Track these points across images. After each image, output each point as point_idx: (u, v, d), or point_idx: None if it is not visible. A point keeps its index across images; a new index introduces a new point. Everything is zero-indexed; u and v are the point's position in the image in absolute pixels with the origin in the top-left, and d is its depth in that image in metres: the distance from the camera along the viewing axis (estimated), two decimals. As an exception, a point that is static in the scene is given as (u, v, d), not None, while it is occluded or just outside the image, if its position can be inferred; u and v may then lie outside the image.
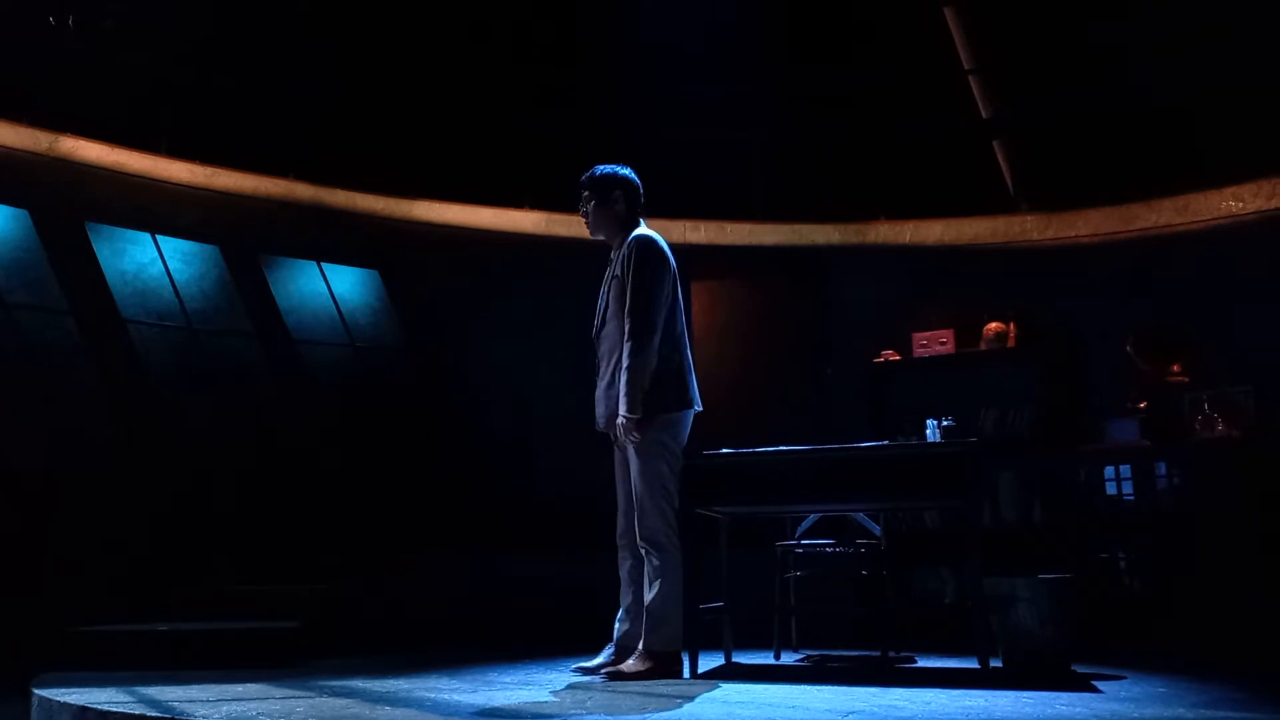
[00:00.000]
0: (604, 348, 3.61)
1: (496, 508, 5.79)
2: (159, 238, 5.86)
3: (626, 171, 3.67)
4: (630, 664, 3.40)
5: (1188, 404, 5.14)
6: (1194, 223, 5.63)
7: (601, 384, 3.60)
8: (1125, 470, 5.11)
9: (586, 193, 3.66)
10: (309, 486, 5.61)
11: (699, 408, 3.57)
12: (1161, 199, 5.73)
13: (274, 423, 5.79)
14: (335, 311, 6.31)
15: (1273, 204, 5.39)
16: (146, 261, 5.76)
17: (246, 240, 6.14)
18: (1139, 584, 5.00)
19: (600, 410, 3.59)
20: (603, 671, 3.44)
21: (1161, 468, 5.06)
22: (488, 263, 6.49)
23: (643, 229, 3.63)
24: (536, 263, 6.46)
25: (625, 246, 3.57)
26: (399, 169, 6.39)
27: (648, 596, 3.41)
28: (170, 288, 5.77)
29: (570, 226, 6.62)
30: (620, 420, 3.44)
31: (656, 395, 3.46)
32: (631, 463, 3.48)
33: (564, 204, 6.57)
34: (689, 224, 6.46)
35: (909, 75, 6.30)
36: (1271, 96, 5.17)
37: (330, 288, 6.35)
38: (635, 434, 3.43)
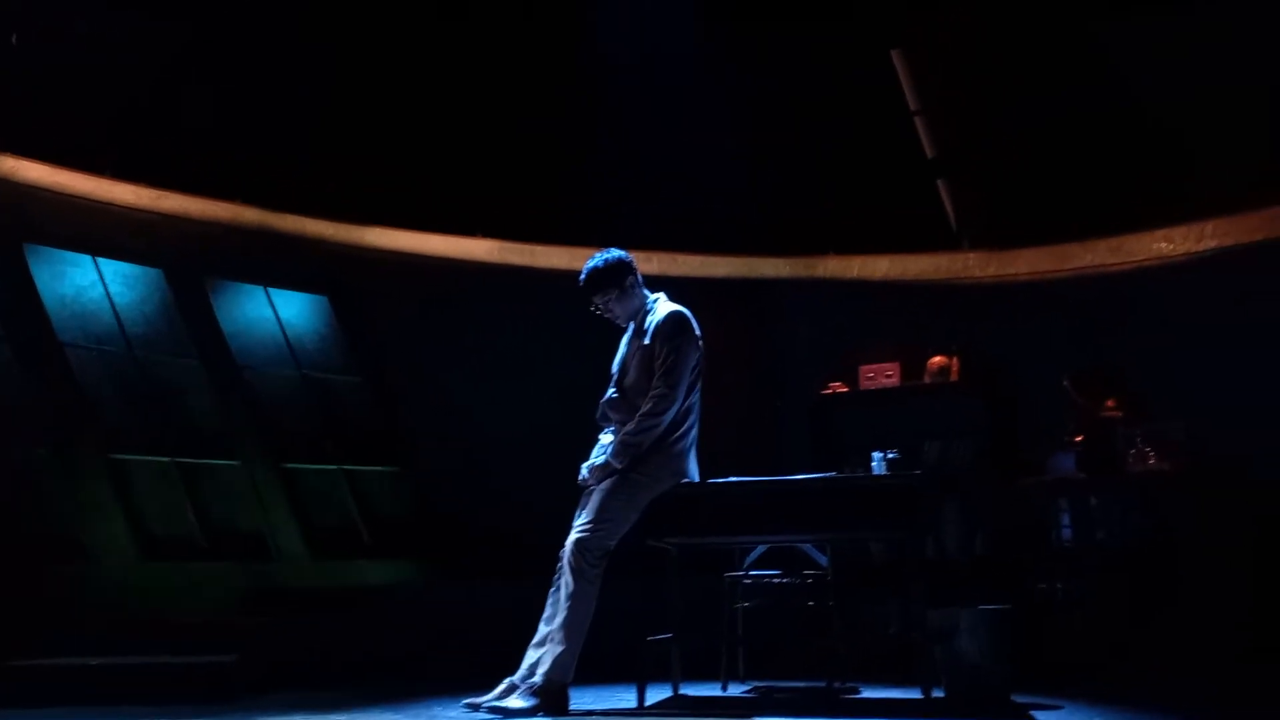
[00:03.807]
0: (617, 414, 3.64)
1: (448, 538, 5.73)
2: (101, 260, 5.74)
3: (619, 252, 3.75)
4: (515, 700, 3.38)
5: (1122, 439, 5.30)
6: (1126, 263, 5.85)
7: (601, 446, 3.65)
8: (1063, 503, 5.24)
9: (602, 293, 3.69)
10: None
11: (691, 479, 3.63)
12: (1096, 240, 5.94)
13: (216, 449, 5.67)
14: (282, 337, 6.22)
15: (1201, 246, 5.62)
16: (86, 284, 5.63)
17: (191, 264, 6.04)
18: (1076, 614, 5.11)
19: (588, 464, 3.64)
20: (485, 706, 3.41)
21: (1097, 500, 5.21)
22: (440, 290, 6.47)
23: (669, 303, 3.72)
24: (489, 291, 6.45)
25: (658, 320, 3.63)
26: (350, 195, 6.36)
27: (558, 619, 3.43)
28: (110, 311, 5.64)
29: (523, 255, 6.64)
30: (600, 462, 3.51)
31: (657, 459, 3.52)
32: (609, 480, 3.53)
33: (517, 232, 6.60)
34: (641, 254, 6.47)
35: (858, 114, 6.46)
36: (1196, 145, 5.41)
37: (277, 313, 6.26)
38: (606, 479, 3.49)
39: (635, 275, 3.73)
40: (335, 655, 4.66)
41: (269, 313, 6.26)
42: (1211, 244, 5.53)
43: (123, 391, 5.52)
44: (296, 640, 4.67)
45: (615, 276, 3.67)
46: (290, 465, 5.94)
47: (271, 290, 6.29)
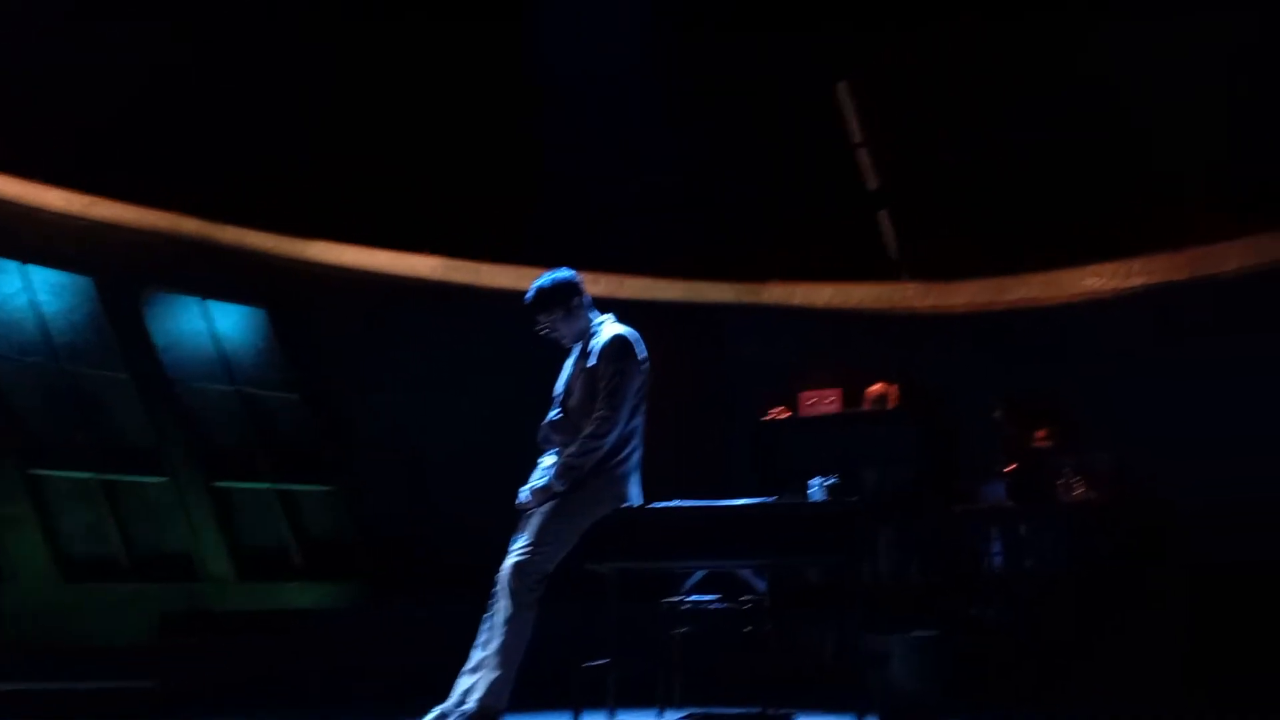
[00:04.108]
0: (560, 436, 3.62)
1: (383, 560, 5.63)
2: (29, 268, 5.54)
3: (568, 272, 3.73)
4: None
5: (1052, 469, 5.44)
6: (1058, 297, 6.03)
7: (542, 469, 3.62)
8: (994, 531, 5.35)
9: (547, 313, 3.67)
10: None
11: (633, 504, 3.62)
12: (1030, 274, 6.12)
13: (143, 465, 5.50)
14: (217, 351, 6.07)
15: (1128, 283, 5.83)
16: (11, 292, 5.43)
17: (124, 274, 5.87)
18: (1006, 641, 5.21)
19: (528, 486, 3.61)
20: None
21: (1026, 529, 5.33)
22: (383, 307, 6.39)
23: (616, 324, 3.71)
24: (434, 309, 6.39)
25: (604, 342, 3.61)
26: (294, 208, 6.26)
27: (493, 644, 3.38)
28: (36, 320, 5.45)
29: (469, 273, 6.59)
30: (541, 484, 3.47)
31: (598, 482, 3.49)
32: (549, 502, 3.50)
33: (463, 250, 6.56)
34: (588, 275, 6.49)
35: (804, 144, 6.58)
36: (1124, 187, 5.62)
37: (213, 326, 6.11)
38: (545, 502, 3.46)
39: (582, 296, 3.73)
40: (261, 680, 4.52)
41: (204, 326, 6.11)
42: (1138, 281, 5.74)
43: (46, 404, 5.33)
44: (221, 665, 4.52)
45: (562, 296, 3.67)
46: (221, 483, 5.78)
47: (208, 302, 6.14)
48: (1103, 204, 5.72)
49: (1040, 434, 5.61)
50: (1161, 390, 5.38)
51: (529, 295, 3.69)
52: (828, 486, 5.35)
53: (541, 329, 3.71)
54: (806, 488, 5.16)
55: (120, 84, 5.75)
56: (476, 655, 3.48)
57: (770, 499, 4.23)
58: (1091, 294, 5.93)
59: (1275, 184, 5.15)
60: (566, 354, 3.85)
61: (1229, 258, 5.43)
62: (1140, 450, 5.31)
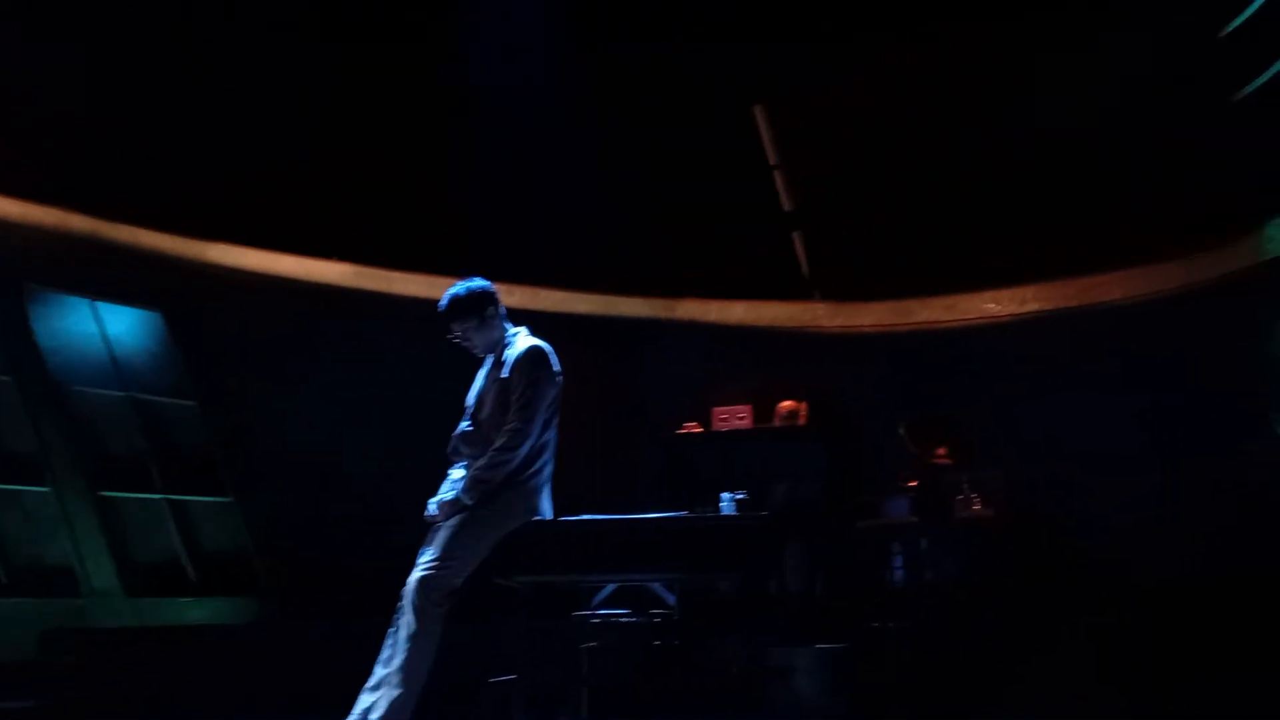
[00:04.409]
0: (470, 448, 3.55)
1: (283, 574, 5.43)
2: (-101, 262, 5.19)
3: (482, 282, 3.69)
4: None
5: (950, 485, 5.65)
6: (959, 320, 6.28)
7: (450, 481, 3.55)
8: (896, 545, 5.51)
9: (461, 321, 3.61)
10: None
11: (544, 517, 3.59)
12: (932, 297, 6.35)
13: (24, 473, 5.18)
14: (108, 355, 5.77)
15: (1025, 309, 6.11)
16: (-122, 288, 5.07)
17: (7, 272, 5.54)
18: (907, 653, 5.36)
19: (436, 499, 3.53)
20: None
21: (927, 543, 5.51)
22: (288, 313, 6.19)
23: (530, 336, 3.67)
24: (343, 316, 6.23)
25: (517, 354, 3.57)
26: (193, 208, 6.00)
27: (395, 661, 3.32)
28: (-96, 318, 5.10)
29: (379, 281, 6.46)
30: (449, 498, 3.41)
31: (509, 495, 3.45)
32: (457, 516, 3.44)
33: (374, 257, 6.42)
34: (504, 286, 6.44)
35: (722, 164, 6.69)
36: (1021, 217, 5.90)
37: (104, 329, 5.81)
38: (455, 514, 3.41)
39: (497, 306, 3.69)
40: (150, 700, 4.31)
41: (94, 328, 5.80)
42: (1033, 307, 6.02)
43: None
44: (105, 684, 4.29)
45: (476, 305, 3.63)
46: (108, 493, 5.50)
47: (99, 304, 5.84)
48: (1001, 233, 5.99)
49: (941, 451, 5.81)
50: (1053, 410, 5.65)
51: (442, 303, 3.64)
52: (737, 501, 5.44)
53: (454, 337, 3.66)
54: (718, 502, 5.23)
55: (3, 74, 5.44)
56: (379, 672, 3.39)
57: (681, 513, 4.26)
58: (990, 318, 6.19)
59: (1157, 219, 5.49)
60: (480, 364, 3.81)
61: (1116, 287, 5.75)
62: (1033, 467, 5.56)
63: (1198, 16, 5.25)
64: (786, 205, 6.91)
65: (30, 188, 5.59)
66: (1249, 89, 5.11)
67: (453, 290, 3.64)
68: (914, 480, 5.73)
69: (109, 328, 5.85)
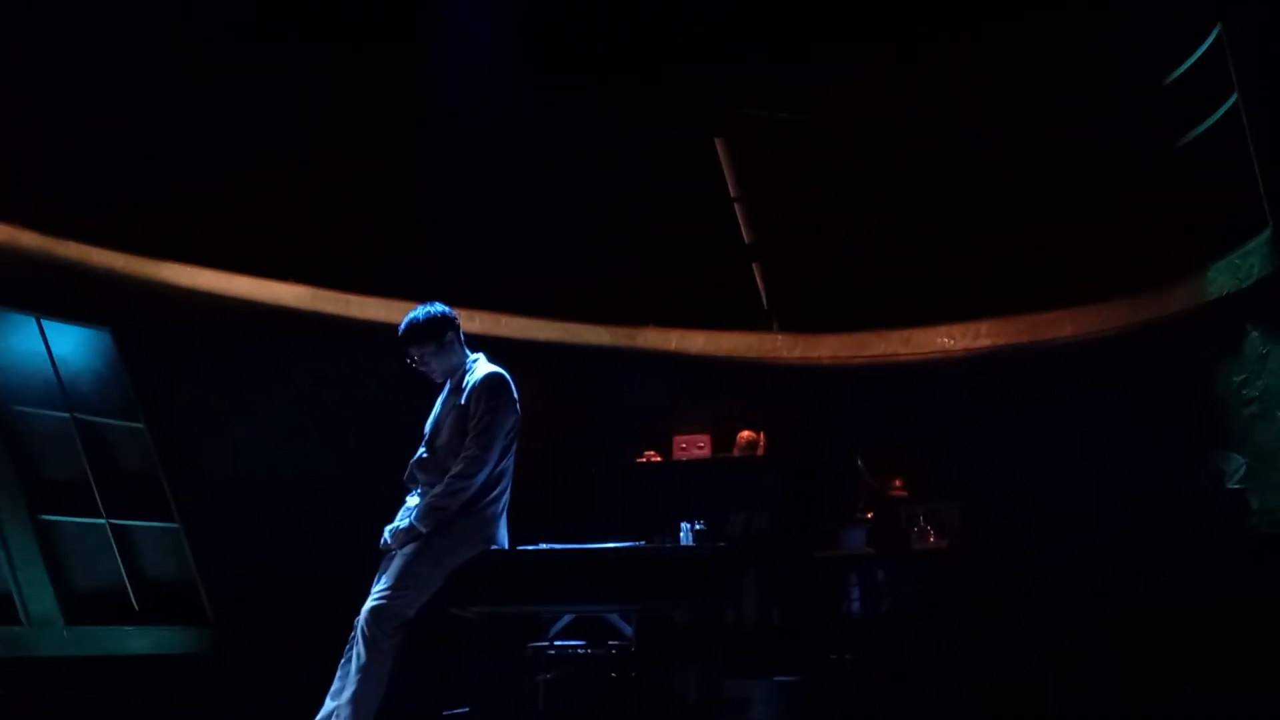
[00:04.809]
0: (426, 475, 3.51)
1: (232, 603, 5.29)
2: None
3: (442, 307, 3.68)
4: None
5: (906, 517, 5.71)
6: (914, 354, 6.37)
7: (406, 509, 3.50)
8: (853, 576, 5.55)
9: (419, 346, 3.59)
10: None
11: (501, 546, 3.56)
12: (889, 330, 6.44)
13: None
14: (53, 374, 5.61)
15: (978, 344, 6.22)
16: None
17: (-51, 287, 5.38)
18: (862, 685, 5.38)
19: (391, 527, 3.48)
20: None
21: (884, 575, 5.55)
22: (242, 334, 6.08)
23: (489, 363, 3.65)
24: (299, 339, 6.13)
25: (476, 380, 3.54)
26: (145, 227, 5.87)
27: (346, 693, 3.25)
28: None
29: (338, 304, 6.38)
30: (405, 526, 3.36)
31: (465, 523, 3.40)
32: (411, 544, 3.39)
33: (332, 279, 6.35)
34: (464, 312, 6.40)
35: (682, 194, 6.76)
36: (974, 255, 6.04)
37: (49, 347, 5.65)
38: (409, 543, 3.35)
39: (457, 332, 3.68)
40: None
41: (39, 346, 5.64)
42: (986, 342, 6.14)
43: None
44: (44, 716, 4.13)
45: (435, 331, 3.61)
46: (48, 517, 5.32)
47: (45, 321, 5.68)
48: (957, 269, 6.12)
49: (897, 483, 5.88)
50: (1005, 443, 5.74)
51: (402, 327, 3.62)
52: (695, 531, 5.44)
53: (412, 362, 3.64)
54: (677, 531, 5.23)
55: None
56: (329, 704, 3.33)
57: (639, 543, 4.24)
58: (944, 351, 6.30)
59: (1106, 258, 5.65)
60: (438, 391, 3.78)
61: (1067, 324, 5.89)
62: (985, 499, 5.64)
63: (1143, 65, 5.44)
64: (746, 237, 6.99)
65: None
66: (1192, 135, 5.30)
67: (412, 314, 3.62)
68: (870, 512, 5.78)
69: (55, 346, 5.70)
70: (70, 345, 5.77)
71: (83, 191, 5.64)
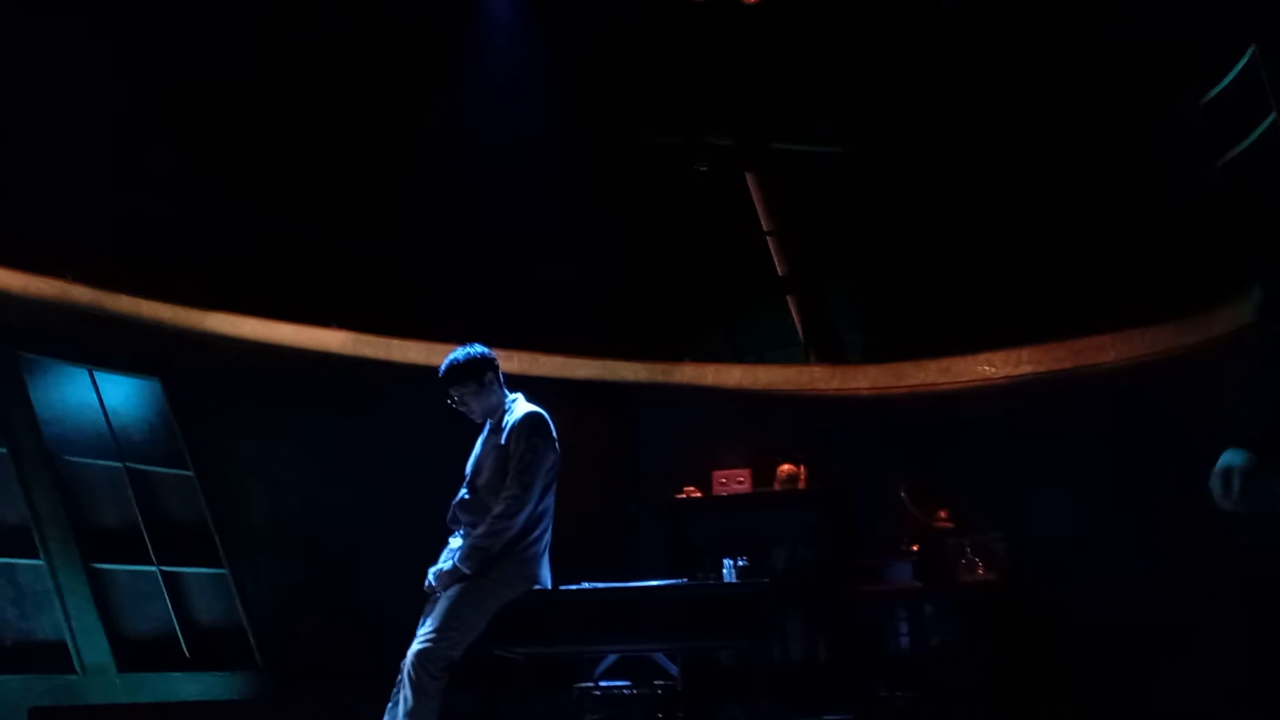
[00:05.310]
0: (468, 516, 3.55)
1: (280, 648, 5.33)
2: (-102, 334, 5.20)
3: (482, 348, 3.74)
4: None
5: (952, 549, 5.61)
6: (954, 383, 6.30)
7: (449, 550, 3.54)
8: (901, 611, 5.45)
9: (459, 386, 3.65)
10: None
11: (544, 586, 3.57)
12: (927, 360, 6.39)
13: (16, 546, 5.12)
14: (105, 424, 5.75)
15: (1019, 371, 6.14)
16: (-120, 358, 5.08)
17: (6, 342, 5.55)
18: (914, 721, 5.27)
19: (435, 569, 3.51)
20: None
21: (931, 609, 5.45)
22: (287, 381, 6.20)
23: (528, 403, 3.70)
24: (342, 384, 6.23)
25: (515, 420, 3.59)
26: (193, 278, 6.04)
27: None
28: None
29: (379, 348, 6.48)
30: (449, 568, 3.39)
31: (507, 564, 3.42)
32: (456, 585, 3.41)
33: (373, 324, 6.46)
34: (502, 353, 6.48)
35: (716, 229, 6.81)
36: (1014, 281, 5.98)
37: (101, 398, 5.80)
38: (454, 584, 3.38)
39: (496, 373, 3.72)
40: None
41: (93, 398, 5.80)
42: (1027, 369, 6.05)
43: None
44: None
45: (475, 371, 3.66)
46: (101, 565, 5.43)
47: (97, 373, 5.84)
48: (995, 295, 6.07)
49: (942, 514, 5.78)
50: (1047, 471, 5.64)
51: (442, 368, 3.68)
52: (739, 567, 5.40)
53: (452, 401, 3.69)
54: (719, 568, 5.20)
55: (5, 148, 5.52)
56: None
57: (682, 580, 4.22)
58: (985, 380, 6.22)
59: (1148, 282, 5.57)
60: (479, 432, 3.81)
61: (1109, 349, 5.80)
62: (1029, 530, 5.53)
63: (1178, 85, 5.40)
64: (780, 270, 7.01)
65: (33, 259, 5.64)
66: (1231, 154, 5.23)
67: (453, 356, 3.68)
68: (915, 544, 5.69)
69: (107, 397, 5.85)
70: (121, 396, 5.92)
71: (133, 246, 5.82)
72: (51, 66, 5.57)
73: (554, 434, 3.67)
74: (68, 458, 5.54)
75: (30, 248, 5.57)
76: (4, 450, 5.32)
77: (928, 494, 5.83)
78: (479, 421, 3.74)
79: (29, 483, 5.34)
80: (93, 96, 5.72)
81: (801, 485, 6.14)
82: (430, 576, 3.54)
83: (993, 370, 6.17)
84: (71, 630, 5.13)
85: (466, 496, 3.63)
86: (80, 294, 5.79)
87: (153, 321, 6.03)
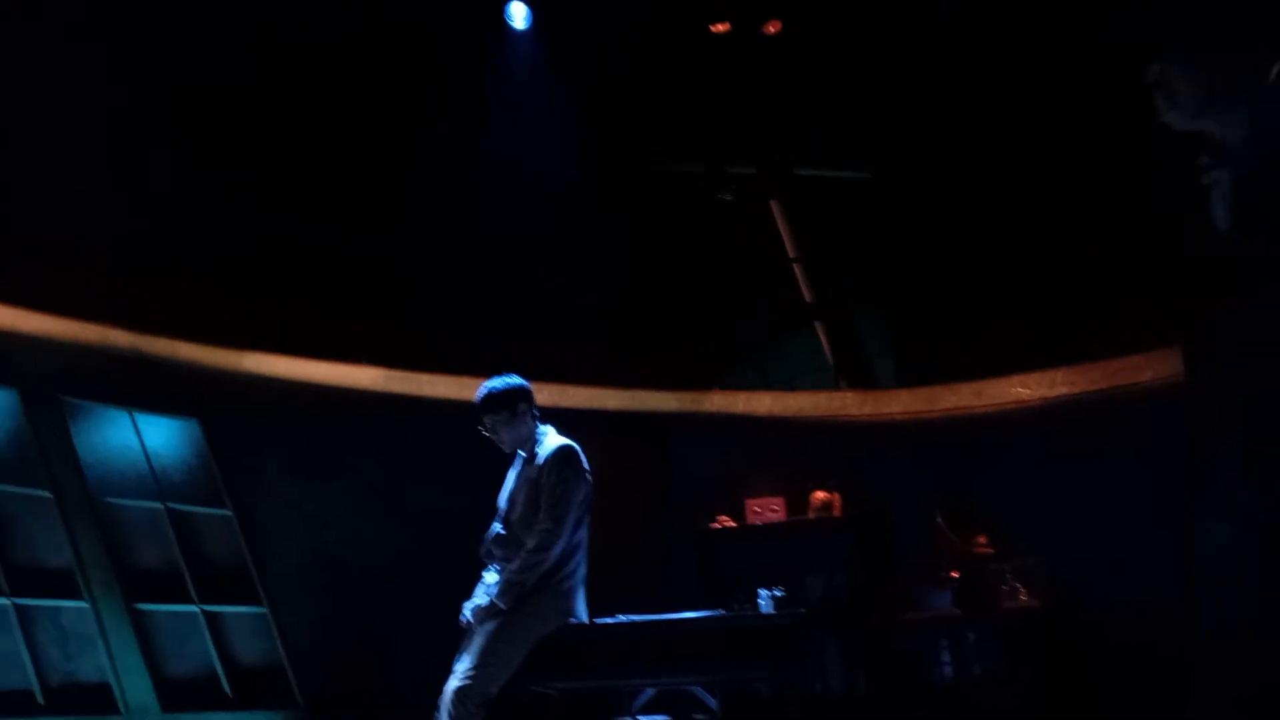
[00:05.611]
0: (503, 551, 3.58)
1: (320, 686, 5.35)
2: (-53, 381, 5.34)
3: (517, 379, 3.79)
4: None
5: (993, 575, 5.52)
6: (988, 406, 6.24)
7: (484, 585, 3.56)
8: (943, 639, 5.36)
9: (493, 414, 3.70)
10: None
11: (581, 620, 3.57)
12: (960, 383, 6.33)
13: (60, 588, 5.20)
14: (146, 466, 5.85)
15: (1054, 392, 6.06)
16: (-71, 406, 5.21)
17: (48, 387, 5.67)
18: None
19: (470, 604, 3.53)
20: None
21: (974, 636, 5.35)
22: (320, 419, 6.27)
23: (559, 435, 3.72)
24: (374, 421, 6.30)
25: (547, 452, 3.62)
26: (228, 319, 6.16)
27: None
28: (-49, 437, 5.22)
29: (410, 384, 6.55)
30: (485, 603, 3.40)
31: (542, 598, 3.42)
32: (492, 621, 3.42)
33: (405, 361, 6.53)
34: (533, 385, 6.54)
35: (741, 257, 6.82)
36: (1047, 301, 5.93)
37: (142, 440, 5.90)
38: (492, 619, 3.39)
39: (530, 404, 3.76)
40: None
41: (134, 439, 5.90)
42: (1062, 390, 5.98)
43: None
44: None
45: (509, 400, 3.71)
46: (144, 606, 5.49)
47: (138, 415, 5.95)
48: (1028, 317, 6.01)
49: (980, 540, 5.70)
50: (1085, 495, 5.55)
51: (478, 395, 3.72)
52: (775, 598, 5.34)
53: (483, 429, 3.72)
54: (755, 599, 5.16)
55: (47, 193, 5.66)
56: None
57: (719, 612, 4.19)
58: (1019, 402, 6.15)
59: (1177, 300, 5.48)
60: (510, 465, 3.83)
61: (1145, 369, 5.72)
62: (1068, 554, 5.43)
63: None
64: (808, 296, 7.00)
65: (75, 305, 5.77)
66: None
67: (490, 384, 3.73)
68: (954, 570, 5.61)
69: (147, 439, 5.95)
70: (162, 437, 6.03)
71: (171, 289, 5.94)
72: (73, 104, 5.65)
73: (585, 466, 3.68)
74: (109, 500, 5.63)
75: (74, 294, 5.70)
76: (49, 494, 5.43)
77: (965, 519, 5.75)
78: (508, 451, 3.77)
79: (72, 525, 5.43)
80: (129, 150, 5.86)
81: (836, 513, 6.08)
82: (466, 612, 3.56)
83: (1027, 392, 6.09)
84: (115, 671, 5.19)
85: (500, 531, 3.65)
86: (121, 338, 5.92)
87: (190, 363, 6.13)
